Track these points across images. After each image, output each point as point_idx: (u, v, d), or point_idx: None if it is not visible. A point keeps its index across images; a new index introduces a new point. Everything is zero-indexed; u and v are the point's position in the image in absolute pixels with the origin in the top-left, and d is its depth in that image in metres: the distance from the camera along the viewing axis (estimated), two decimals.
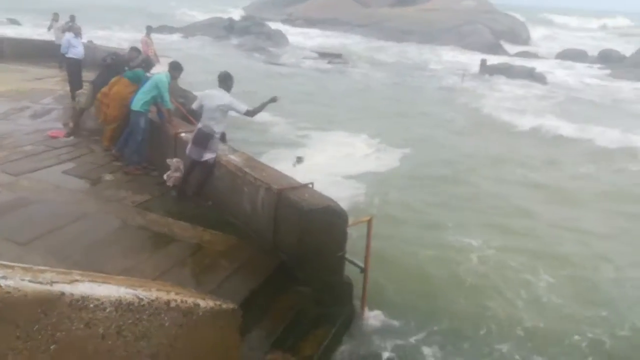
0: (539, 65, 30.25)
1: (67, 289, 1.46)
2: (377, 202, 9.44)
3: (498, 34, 43.37)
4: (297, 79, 24.89)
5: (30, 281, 1.37)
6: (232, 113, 6.28)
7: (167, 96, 7.17)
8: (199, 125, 6.31)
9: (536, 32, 52.19)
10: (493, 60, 31.42)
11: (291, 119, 16.18)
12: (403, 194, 10.03)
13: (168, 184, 6.99)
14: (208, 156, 6.21)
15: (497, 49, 38.68)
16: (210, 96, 6.25)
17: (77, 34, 11.60)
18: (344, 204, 5.46)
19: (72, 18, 15.87)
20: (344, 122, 16.14)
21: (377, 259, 5.88)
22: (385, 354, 5.42)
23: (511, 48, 40.12)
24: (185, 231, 5.77)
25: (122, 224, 5.86)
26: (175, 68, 7.32)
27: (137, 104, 7.29)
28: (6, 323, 1.24)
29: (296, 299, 5.05)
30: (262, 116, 16.83)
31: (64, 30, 14.37)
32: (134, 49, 9.35)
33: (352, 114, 17.67)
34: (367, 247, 5.48)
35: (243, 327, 2.88)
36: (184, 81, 19.55)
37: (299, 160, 13.37)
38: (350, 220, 5.20)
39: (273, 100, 6.07)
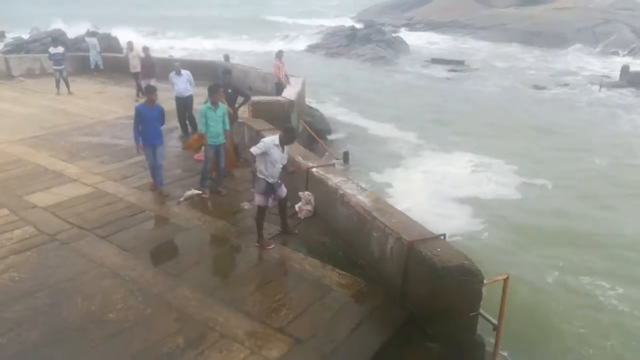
0: None
1: None
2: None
3: None
4: (416, 91, 24.59)
5: None
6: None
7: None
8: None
9: None
10: (636, 66, 28.35)
11: (408, 134, 16.24)
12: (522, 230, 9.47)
13: (299, 215, 7.33)
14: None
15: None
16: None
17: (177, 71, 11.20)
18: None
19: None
20: (459, 141, 15.65)
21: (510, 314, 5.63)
22: None
23: None
24: (316, 269, 6.02)
25: (258, 258, 6.31)
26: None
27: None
28: None
29: (425, 355, 5.02)
30: (384, 129, 17.01)
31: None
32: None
33: (468, 130, 17.08)
34: (502, 306, 5.27)
35: None
36: (319, 97, 20.22)
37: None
38: (485, 279, 5.03)
39: None
